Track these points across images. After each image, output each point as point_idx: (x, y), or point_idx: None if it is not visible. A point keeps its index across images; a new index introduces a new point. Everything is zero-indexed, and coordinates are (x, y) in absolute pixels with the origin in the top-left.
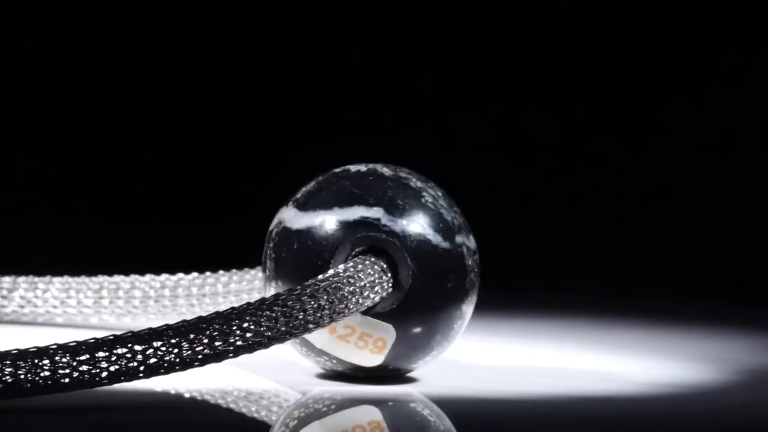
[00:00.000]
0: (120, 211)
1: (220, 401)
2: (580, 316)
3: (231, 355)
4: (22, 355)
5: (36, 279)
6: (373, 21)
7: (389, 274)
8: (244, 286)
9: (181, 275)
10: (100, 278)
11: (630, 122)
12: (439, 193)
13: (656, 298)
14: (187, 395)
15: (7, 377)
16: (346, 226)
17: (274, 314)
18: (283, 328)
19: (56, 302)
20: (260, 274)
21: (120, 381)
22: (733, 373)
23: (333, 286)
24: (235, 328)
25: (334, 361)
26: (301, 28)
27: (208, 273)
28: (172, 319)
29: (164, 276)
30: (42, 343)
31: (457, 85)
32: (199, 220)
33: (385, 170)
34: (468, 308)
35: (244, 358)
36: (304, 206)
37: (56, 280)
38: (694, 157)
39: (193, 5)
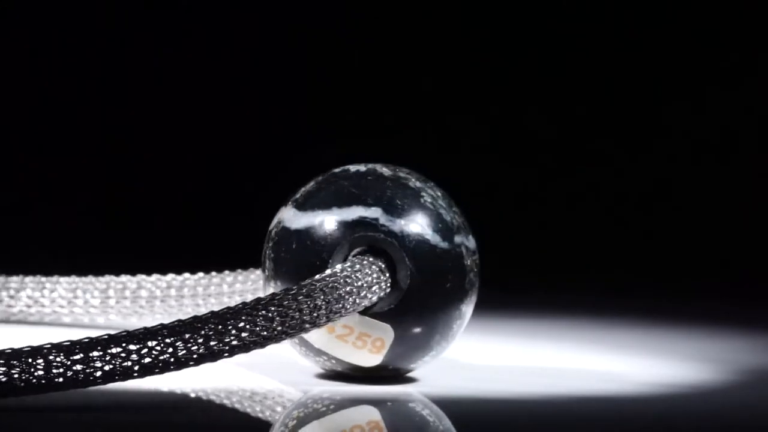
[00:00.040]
0: (120, 211)
1: (218, 401)
2: (580, 316)
3: (226, 354)
4: (16, 354)
5: (43, 279)
6: (373, 21)
7: (387, 274)
8: (249, 286)
9: (187, 275)
10: (107, 278)
11: (630, 122)
12: (439, 193)
13: (656, 298)
14: (184, 395)
15: (1, 376)
16: (345, 226)
17: (270, 314)
18: (279, 328)
19: (63, 302)
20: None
21: (114, 380)
22: (733, 373)
23: (330, 285)
24: (230, 327)
25: (333, 361)
26: (301, 28)
27: (213, 273)
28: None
29: (170, 276)
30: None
31: (457, 85)
32: (199, 220)
33: (385, 170)
34: (467, 308)
35: (244, 358)
36: (303, 206)
37: (63, 280)
38: (694, 157)
39: (193, 5)
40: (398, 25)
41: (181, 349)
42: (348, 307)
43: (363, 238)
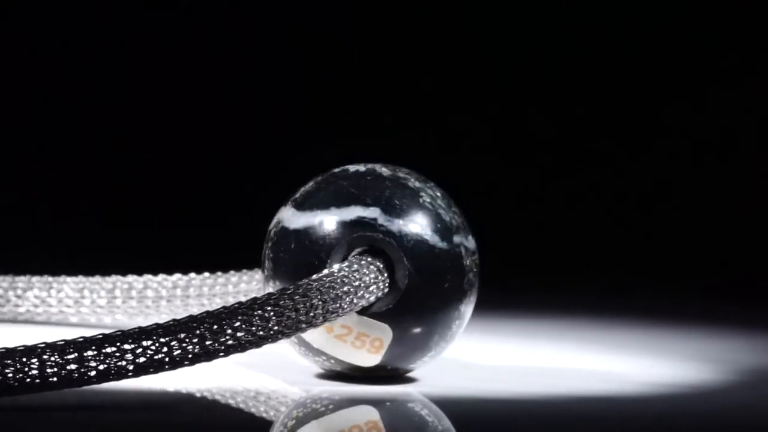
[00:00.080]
0: (120, 211)
1: (218, 400)
2: (580, 316)
3: (222, 354)
4: (10, 353)
5: (50, 279)
6: (373, 21)
7: (386, 274)
8: (254, 286)
9: (193, 275)
10: (114, 278)
11: (630, 122)
12: (438, 194)
13: (656, 298)
14: (182, 394)
15: None
16: (343, 226)
17: (266, 314)
18: (275, 328)
19: (70, 302)
20: None
21: (109, 380)
22: (733, 373)
23: (326, 285)
24: (226, 327)
25: (332, 361)
26: (301, 28)
27: (219, 273)
28: None
29: (176, 276)
30: None
31: (457, 85)
32: (199, 220)
33: (384, 170)
34: (467, 308)
35: (244, 358)
36: (302, 206)
37: (70, 279)
38: (694, 157)
39: (193, 5)
40: (398, 25)
41: (176, 349)
42: (345, 307)
43: (361, 238)
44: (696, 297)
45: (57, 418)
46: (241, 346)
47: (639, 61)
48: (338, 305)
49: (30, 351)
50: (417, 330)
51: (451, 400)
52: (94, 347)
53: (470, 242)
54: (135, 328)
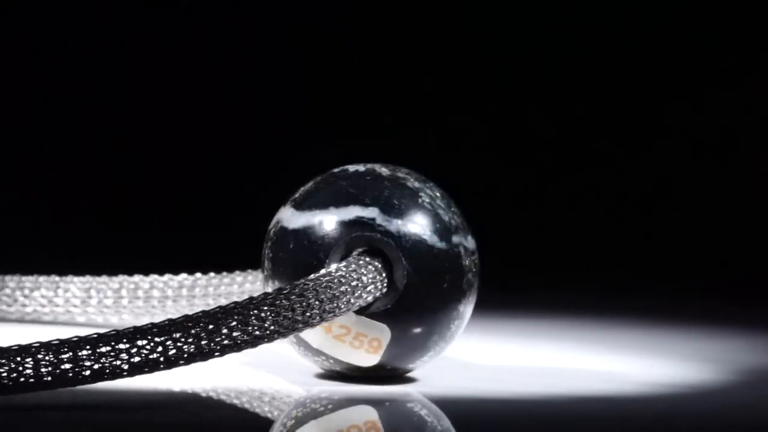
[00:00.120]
0: (120, 211)
1: (217, 400)
2: (580, 316)
3: (217, 354)
4: (4, 353)
5: (57, 278)
6: (373, 21)
7: (384, 274)
8: (259, 287)
9: (198, 275)
10: (120, 277)
11: (630, 122)
12: (438, 194)
13: (656, 298)
14: (180, 394)
15: None
16: (342, 226)
17: (262, 313)
18: (272, 328)
19: (77, 301)
20: None
21: (104, 379)
22: (733, 373)
23: (323, 285)
24: (221, 326)
25: (331, 361)
26: (301, 28)
27: (224, 273)
28: None
29: (183, 275)
30: None
31: (457, 85)
32: (199, 220)
33: (384, 170)
34: (466, 308)
35: (243, 357)
36: (301, 206)
37: (77, 279)
38: (694, 157)
39: (193, 5)
40: (398, 25)
41: (171, 348)
42: (342, 307)
43: (360, 238)
44: (696, 297)
45: (51, 418)
46: (237, 346)
47: (639, 61)
48: (335, 305)
49: (24, 350)
50: (416, 330)
51: (451, 400)
52: (88, 346)
53: (470, 242)
54: (130, 328)
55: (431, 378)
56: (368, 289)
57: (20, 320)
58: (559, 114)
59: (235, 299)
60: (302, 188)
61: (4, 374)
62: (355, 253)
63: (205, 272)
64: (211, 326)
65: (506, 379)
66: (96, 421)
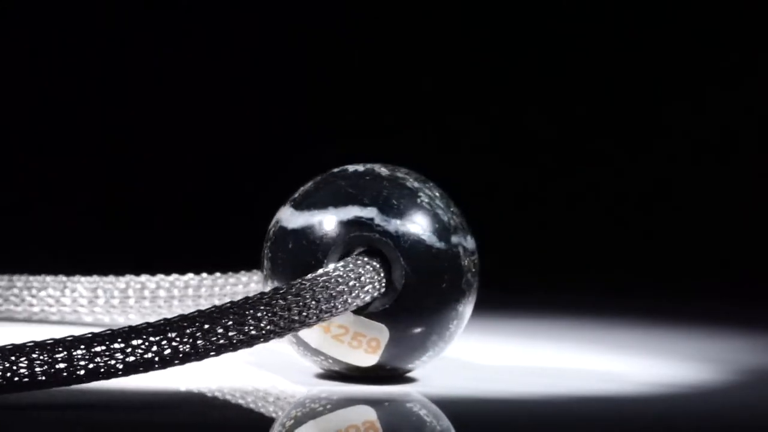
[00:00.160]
0: (120, 211)
1: (216, 399)
2: (580, 316)
3: (213, 353)
4: None
5: (64, 278)
6: (373, 21)
7: (382, 274)
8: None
9: (204, 275)
10: (127, 277)
11: (630, 122)
12: (437, 194)
13: (656, 298)
14: (179, 393)
15: None
16: (340, 226)
17: (258, 313)
18: (268, 327)
19: (84, 301)
20: None
21: (98, 379)
22: (733, 373)
23: (320, 285)
24: (217, 326)
25: (330, 361)
26: (301, 28)
27: (230, 273)
28: None
29: (189, 275)
30: None
31: (457, 85)
32: (199, 220)
33: (383, 170)
34: (465, 308)
35: (243, 356)
36: (300, 206)
37: (84, 279)
38: (694, 157)
39: (193, 5)
40: (398, 25)
41: (167, 348)
42: (339, 306)
43: (358, 238)
44: (696, 297)
45: (45, 417)
46: (232, 346)
47: (639, 61)
48: (332, 305)
49: (18, 349)
50: (414, 330)
51: (451, 400)
52: (83, 346)
53: (469, 242)
54: (125, 327)
55: (431, 378)
56: (366, 289)
57: (28, 320)
58: (559, 114)
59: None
60: (302, 188)
61: None
62: (353, 253)
63: (210, 272)
64: (206, 326)
65: (506, 379)
66: (96, 421)
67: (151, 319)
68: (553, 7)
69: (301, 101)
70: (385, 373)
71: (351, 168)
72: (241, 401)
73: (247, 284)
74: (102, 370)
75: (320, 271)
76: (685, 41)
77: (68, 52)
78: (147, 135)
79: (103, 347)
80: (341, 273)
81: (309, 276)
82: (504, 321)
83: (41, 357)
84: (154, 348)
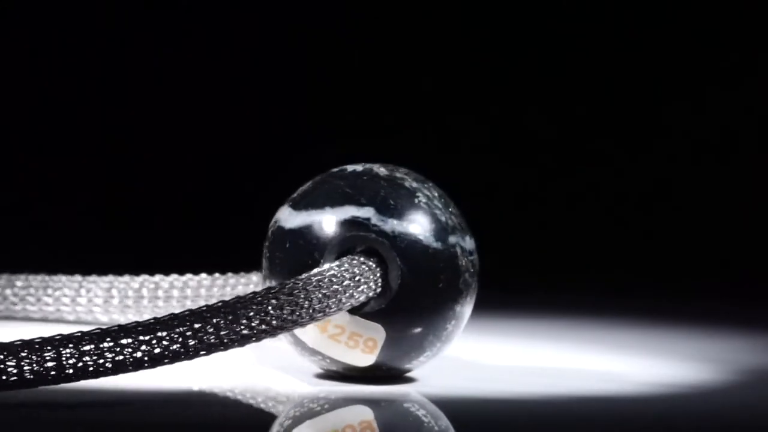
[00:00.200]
0: (120, 211)
1: (215, 399)
2: (580, 316)
3: (203, 353)
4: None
5: (80, 278)
6: (373, 21)
7: (378, 274)
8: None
9: (217, 275)
10: (142, 277)
11: (630, 122)
12: (436, 194)
13: (656, 298)
14: (177, 393)
15: None
16: (337, 226)
17: (250, 312)
18: (261, 327)
19: (99, 301)
20: None
21: (87, 377)
22: (733, 373)
23: (314, 285)
24: (208, 325)
25: (328, 361)
26: (301, 28)
27: (242, 273)
28: None
29: (202, 275)
30: None
31: (457, 85)
32: (199, 220)
33: (382, 170)
34: (463, 309)
35: (243, 356)
36: (298, 206)
37: (99, 279)
38: (694, 157)
39: (193, 5)
40: (398, 25)
41: (156, 347)
42: (333, 306)
43: (354, 238)
44: (696, 297)
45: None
46: (223, 345)
47: (639, 61)
48: (325, 305)
49: (5, 348)
50: (411, 330)
51: (451, 400)
52: (72, 345)
53: (467, 242)
54: (114, 326)
55: (430, 378)
56: (361, 288)
57: (44, 319)
58: (559, 114)
59: None
60: (301, 188)
61: None
62: (350, 253)
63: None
64: (197, 325)
65: (506, 379)
66: (96, 421)
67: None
68: (553, 7)
69: (301, 101)
70: (383, 373)
71: (350, 168)
72: (240, 400)
73: (258, 284)
74: (91, 368)
75: (314, 270)
76: (685, 41)
77: (68, 52)
78: (147, 135)
79: (92, 346)
80: (335, 273)
81: (303, 275)
82: (504, 321)
83: (30, 356)
84: (144, 347)
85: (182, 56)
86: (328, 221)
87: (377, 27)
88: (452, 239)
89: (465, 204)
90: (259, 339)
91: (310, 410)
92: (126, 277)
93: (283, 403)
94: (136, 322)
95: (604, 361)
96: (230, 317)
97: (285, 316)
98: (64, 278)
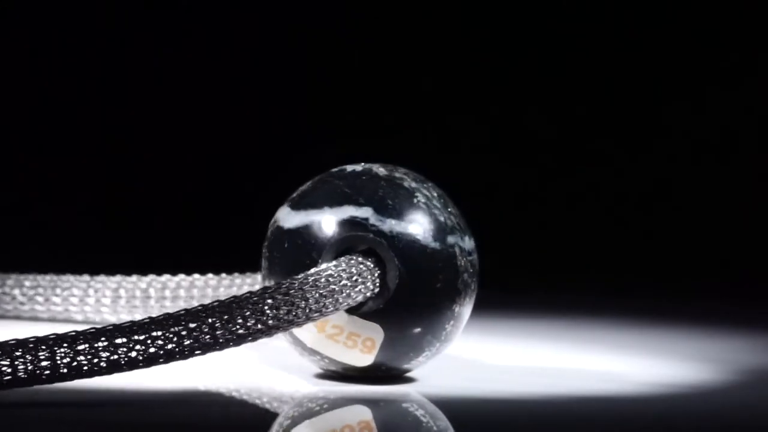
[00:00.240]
0: (120, 211)
1: (214, 398)
2: (580, 316)
3: (198, 352)
4: None
5: (88, 278)
6: (373, 21)
7: (376, 274)
8: None
9: (224, 275)
10: (149, 277)
11: (630, 122)
12: (435, 194)
13: (656, 298)
14: (176, 392)
15: None
16: (335, 226)
17: (246, 312)
18: (257, 327)
19: (107, 300)
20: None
21: (82, 377)
22: (733, 373)
23: (310, 284)
24: (203, 325)
25: (327, 361)
26: (301, 28)
27: (248, 273)
28: None
29: (209, 275)
30: None
31: (457, 85)
32: (199, 220)
33: (381, 170)
34: (462, 309)
35: (241, 355)
36: (297, 205)
37: (107, 279)
38: (694, 157)
39: (193, 5)
40: (398, 25)
41: (151, 346)
42: (329, 306)
43: (352, 238)
44: (696, 297)
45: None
46: (218, 345)
47: (639, 61)
48: (322, 304)
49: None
50: (410, 330)
51: (451, 400)
52: (65, 344)
53: (466, 243)
54: (109, 325)
55: (430, 378)
56: (358, 288)
57: (52, 319)
58: (559, 114)
59: None
60: (301, 188)
61: None
62: (345, 251)
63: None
64: (192, 324)
65: (506, 379)
66: (95, 421)
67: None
68: (553, 7)
69: (301, 101)
70: (383, 373)
71: (349, 168)
72: (240, 400)
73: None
74: (85, 368)
75: (311, 270)
76: (685, 41)
77: (68, 52)
78: (147, 135)
79: (87, 345)
80: (332, 272)
81: (299, 275)
82: (504, 321)
83: (26, 356)
84: (138, 346)
85: (182, 56)
86: (326, 221)
87: (377, 27)
88: (451, 239)
89: (465, 204)
90: (255, 339)
91: (309, 410)
92: (134, 277)
93: (283, 403)
94: (131, 321)
95: (604, 361)
96: (226, 317)
97: (281, 315)
98: (72, 278)
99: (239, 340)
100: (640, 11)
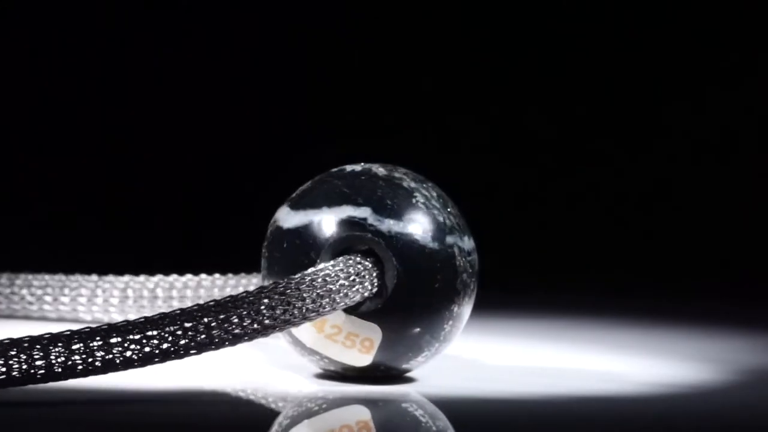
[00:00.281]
0: (120, 211)
1: (213, 398)
2: (580, 316)
3: (194, 352)
4: None
5: (96, 278)
6: (373, 21)
7: (374, 274)
8: None
9: (230, 275)
10: (157, 277)
11: (630, 122)
12: (434, 194)
13: (656, 298)
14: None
15: None
16: (334, 226)
17: (243, 311)
18: (254, 326)
19: (115, 301)
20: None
21: (76, 376)
22: (733, 373)
23: (307, 284)
24: (199, 324)
25: (326, 360)
26: (301, 28)
27: (254, 273)
28: None
29: (216, 275)
30: None
31: (457, 85)
32: (199, 220)
33: (380, 170)
34: (461, 309)
35: (240, 355)
36: (296, 205)
37: (115, 279)
38: (694, 157)
39: (193, 5)
40: (398, 25)
41: (147, 346)
42: (326, 306)
43: (350, 238)
44: (696, 297)
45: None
46: (214, 344)
47: (639, 61)
48: (318, 304)
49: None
50: (408, 330)
51: (450, 400)
52: (60, 344)
53: (466, 243)
54: (104, 324)
55: (430, 378)
56: (355, 288)
57: (60, 319)
58: (559, 114)
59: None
60: (300, 188)
61: None
62: (343, 251)
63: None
64: (187, 324)
65: (506, 379)
66: (95, 420)
67: None
68: (553, 7)
69: (301, 101)
70: (382, 373)
71: (349, 168)
72: (240, 399)
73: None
74: (80, 367)
75: (308, 270)
76: (685, 41)
77: (68, 52)
78: (147, 135)
79: (81, 345)
80: (330, 272)
81: (296, 275)
82: (504, 321)
83: (21, 355)
84: (134, 346)
85: (182, 56)
86: (325, 221)
87: (377, 27)
88: (450, 239)
89: (465, 204)
90: (251, 338)
91: (308, 410)
92: (141, 277)
93: (282, 403)
94: (126, 320)
95: (604, 361)
96: (221, 316)
97: (277, 315)
98: (80, 278)
99: (235, 339)
100: (640, 11)
